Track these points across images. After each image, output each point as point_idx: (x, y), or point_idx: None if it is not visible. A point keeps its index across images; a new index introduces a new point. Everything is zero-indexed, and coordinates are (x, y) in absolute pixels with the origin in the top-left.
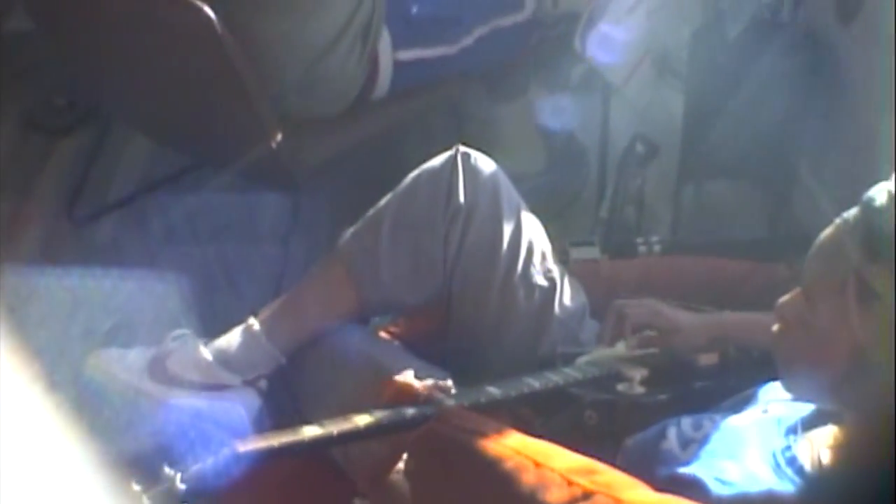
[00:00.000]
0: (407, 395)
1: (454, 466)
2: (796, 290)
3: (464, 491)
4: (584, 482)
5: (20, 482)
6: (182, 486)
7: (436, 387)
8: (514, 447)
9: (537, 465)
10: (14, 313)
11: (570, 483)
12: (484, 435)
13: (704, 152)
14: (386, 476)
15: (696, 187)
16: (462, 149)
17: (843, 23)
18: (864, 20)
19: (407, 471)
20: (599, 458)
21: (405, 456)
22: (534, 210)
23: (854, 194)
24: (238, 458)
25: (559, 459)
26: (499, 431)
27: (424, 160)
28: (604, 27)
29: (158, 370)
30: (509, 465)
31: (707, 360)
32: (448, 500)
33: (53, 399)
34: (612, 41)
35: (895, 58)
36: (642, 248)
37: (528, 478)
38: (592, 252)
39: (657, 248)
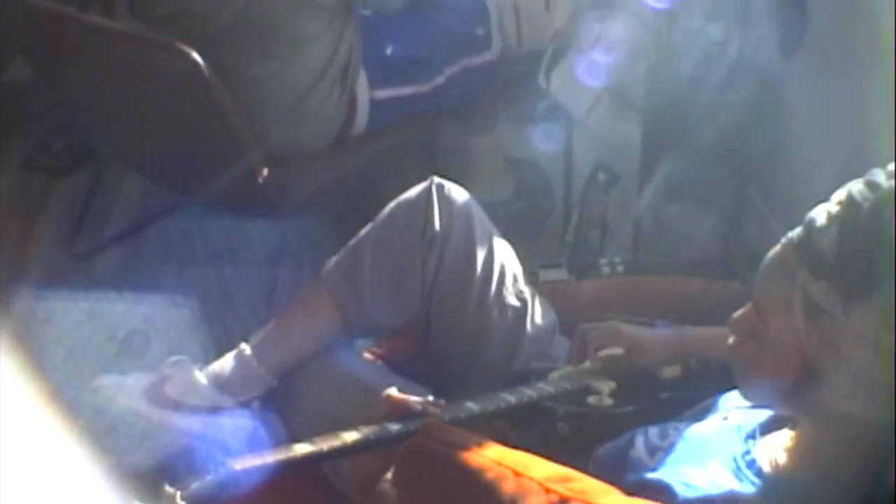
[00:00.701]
0: (403, 410)
1: (438, 478)
2: (748, 306)
3: (448, 501)
4: (561, 489)
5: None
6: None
7: (428, 402)
8: (493, 458)
9: (516, 474)
10: (26, 337)
11: (547, 490)
12: (465, 447)
13: (662, 179)
14: (374, 487)
15: (654, 211)
16: (436, 180)
17: (786, 57)
18: (804, 54)
19: (394, 484)
20: (573, 467)
21: (392, 468)
22: (504, 235)
23: (798, 215)
24: (235, 475)
25: (537, 469)
26: (479, 444)
27: (401, 191)
28: (566, 64)
29: (157, 395)
30: (490, 475)
31: (670, 372)
32: None
33: (62, 423)
34: (573, 77)
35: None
36: (606, 269)
37: (508, 487)
38: (560, 273)
39: (620, 268)
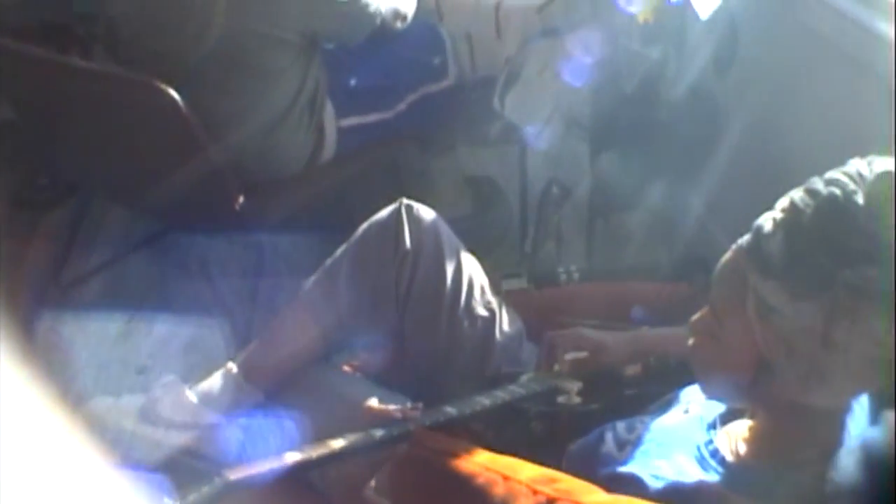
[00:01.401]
0: (383, 420)
1: (431, 486)
2: (705, 308)
3: None
4: (548, 490)
5: None
6: None
7: (407, 409)
8: (482, 463)
9: (505, 478)
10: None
11: (535, 492)
12: (455, 455)
13: (610, 191)
14: (360, 493)
15: (605, 221)
16: (405, 201)
17: (720, 74)
18: (737, 71)
19: (389, 492)
20: (546, 464)
21: (379, 475)
22: (466, 249)
23: (737, 220)
24: (229, 485)
25: (524, 471)
26: (468, 450)
27: (370, 211)
28: (518, 89)
29: (150, 414)
30: (481, 480)
31: (632, 370)
32: None
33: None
34: (525, 100)
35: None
36: (563, 277)
37: (498, 490)
38: (521, 283)
39: (576, 275)
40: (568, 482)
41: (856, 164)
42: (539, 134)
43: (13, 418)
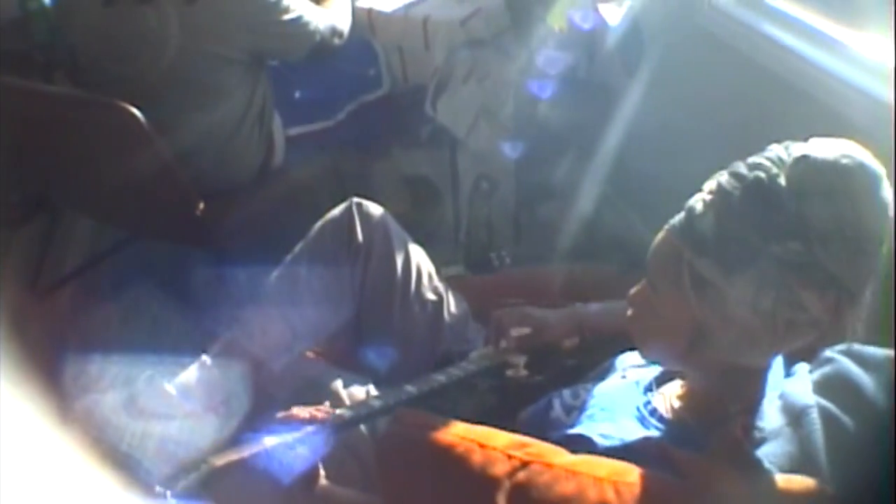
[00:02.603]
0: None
1: (415, 458)
2: (642, 283)
3: (427, 476)
4: (520, 454)
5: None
6: (174, 501)
7: (322, 410)
8: (459, 434)
9: (481, 446)
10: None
11: (510, 457)
12: (434, 428)
13: (533, 183)
14: (314, 484)
15: (530, 211)
16: (356, 200)
17: (628, 75)
18: (643, 72)
19: (378, 467)
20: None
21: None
22: None
23: (646, 204)
24: (215, 471)
25: (497, 439)
26: (444, 424)
27: (318, 211)
28: (447, 94)
29: (133, 408)
30: (460, 449)
31: (570, 343)
32: (417, 485)
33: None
34: (454, 105)
35: None
36: (496, 262)
37: (477, 458)
38: (458, 269)
39: (507, 260)
40: (537, 446)
41: (775, 149)
42: (467, 134)
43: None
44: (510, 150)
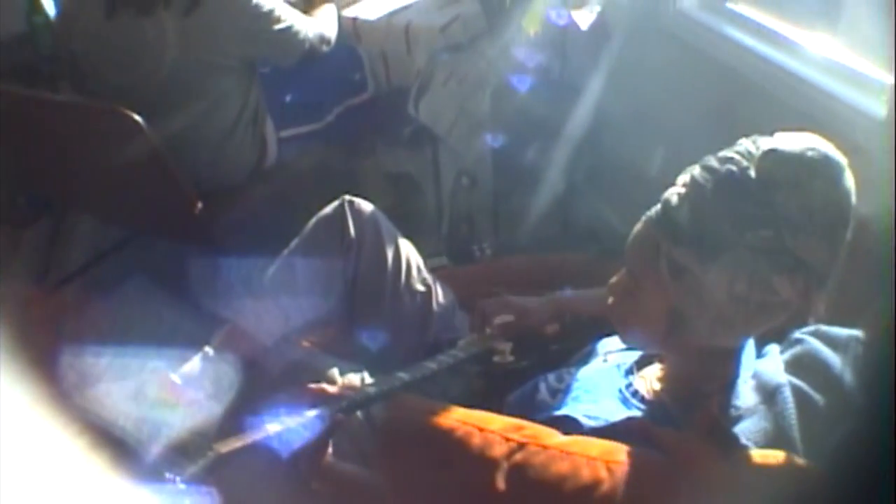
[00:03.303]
0: (321, 397)
1: (417, 442)
2: (622, 272)
3: (430, 458)
4: (517, 437)
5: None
6: (183, 486)
7: (346, 385)
8: (458, 419)
9: (480, 429)
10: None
11: (507, 440)
12: (434, 413)
13: (510, 178)
14: (321, 461)
15: (508, 204)
16: (347, 197)
17: (601, 78)
18: (613, 72)
19: (381, 452)
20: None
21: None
22: None
23: (618, 197)
24: (221, 457)
25: (494, 423)
26: (444, 409)
27: (309, 208)
28: (429, 96)
29: (141, 397)
30: (459, 433)
31: (551, 329)
32: (420, 467)
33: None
34: (435, 106)
35: None
36: (478, 253)
37: (476, 441)
38: (441, 261)
39: (488, 251)
40: (532, 429)
41: (744, 144)
42: (448, 133)
43: (16, 413)
44: (488, 147)
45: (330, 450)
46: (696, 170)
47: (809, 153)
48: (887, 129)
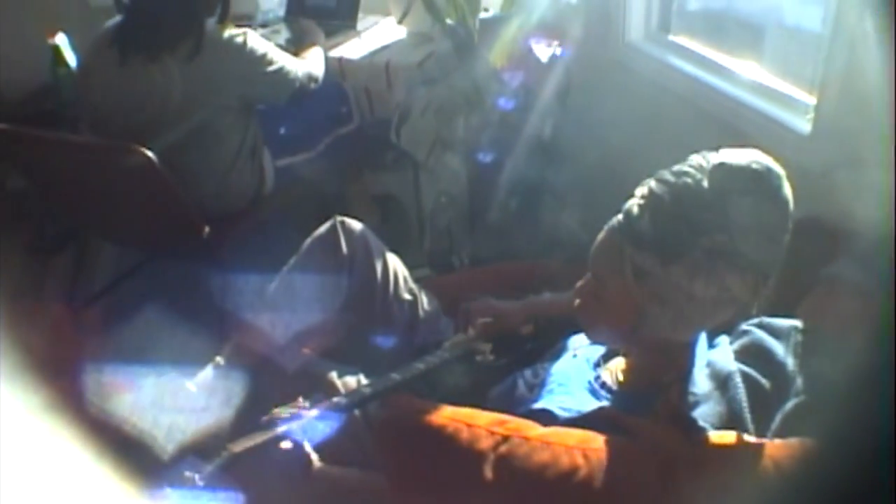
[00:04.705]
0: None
1: (412, 438)
2: (588, 276)
3: (424, 454)
4: (501, 430)
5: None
6: (201, 483)
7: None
8: (448, 416)
9: (468, 425)
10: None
11: (492, 433)
12: (425, 412)
13: (484, 196)
14: (309, 467)
15: (483, 219)
16: (339, 217)
17: (560, 104)
18: (572, 101)
19: (378, 450)
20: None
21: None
22: None
23: (578, 211)
24: (235, 456)
25: (480, 418)
26: (434, 407)
27: (304, 229)
28: (408, 125)
29: (161, 404)
30: (449, 429)
31: (526, 330)
32: (416, 463)
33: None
34: (414, 134)
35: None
36: (457, 263)
37: (464, 436)
38: (425, 272)
39: (466, 261)
40: (515, 422)
41: (695, 159)
42: (427, 157)
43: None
44: (463, 169)
45: (315, 456)
46: (652, 182)
47: (755, 165)
48: (825, 144)
